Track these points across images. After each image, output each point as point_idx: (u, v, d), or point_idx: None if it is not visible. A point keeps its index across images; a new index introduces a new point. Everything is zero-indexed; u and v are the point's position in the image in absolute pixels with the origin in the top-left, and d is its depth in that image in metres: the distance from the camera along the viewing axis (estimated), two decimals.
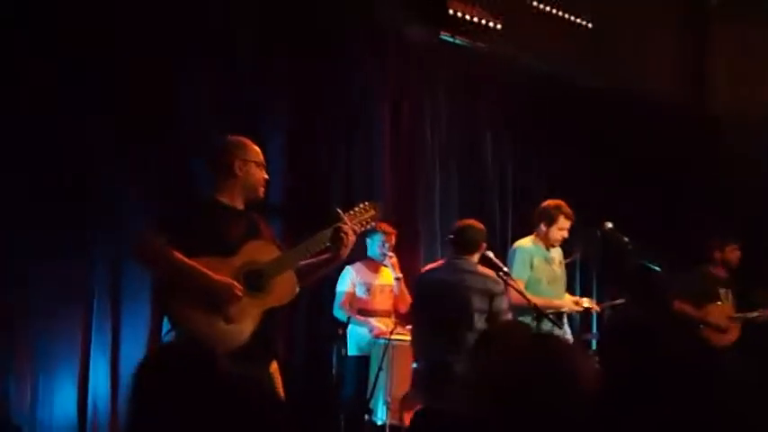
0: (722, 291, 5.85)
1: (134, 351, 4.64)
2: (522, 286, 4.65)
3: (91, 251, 4.62)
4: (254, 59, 5.26)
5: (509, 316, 4.21)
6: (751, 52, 8.16)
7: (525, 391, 1.32)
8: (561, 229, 4.90)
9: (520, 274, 4.78)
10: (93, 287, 4.62)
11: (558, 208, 4.91)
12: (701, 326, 5.67)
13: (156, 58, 4.75)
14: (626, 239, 5.06)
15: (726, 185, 7.54)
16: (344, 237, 3.28)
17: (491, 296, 4.10)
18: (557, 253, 5.05)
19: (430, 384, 4.24)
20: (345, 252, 3.33)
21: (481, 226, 4.29)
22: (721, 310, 5.77)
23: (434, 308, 4.20)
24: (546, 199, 5.11)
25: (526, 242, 5.00)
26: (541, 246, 4.95)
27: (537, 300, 4.57)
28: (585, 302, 4.89)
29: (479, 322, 4.07)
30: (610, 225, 5.10)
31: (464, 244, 4.21)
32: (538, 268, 4.89)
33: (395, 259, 5.26)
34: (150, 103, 4.72)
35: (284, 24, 5.38)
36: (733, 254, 5.90)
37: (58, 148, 4.45)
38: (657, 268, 5.19)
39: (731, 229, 6.13)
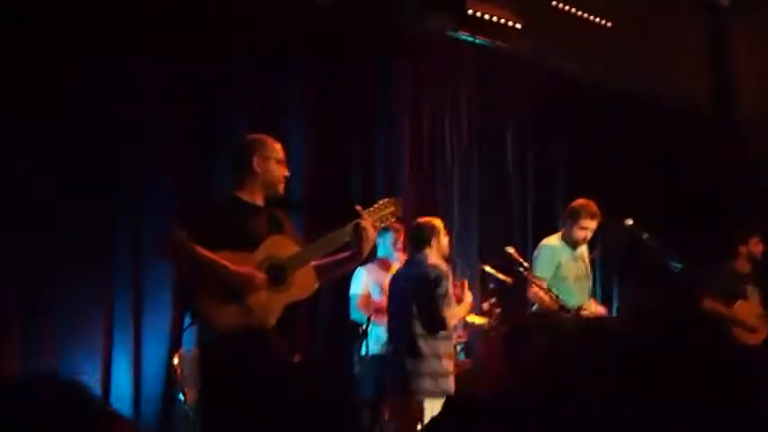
0: (748, 287, 5.77)
1: (156, 350, 4.68)
2: (544, 285, 4.71)
3: (112, 251, 4.65)
4: (277, 58, 5.29)
5: (451, 300, 4.28)
6: None
7: (575, 374, 1.31)
8: (583, 228, 4.85)
9: (543, 271, 4.79)
10: (115, 287, 4.65)
11: (582, 207, 4.87)
12: (732, 325, 5.56)
13: (183, 58, 4.79)
14: (646, 236, 5.01)
15: (752, 186, 7.51)
16: (364, 232, 3.28)
17: (428, 282, 4.26)
18: (583, 251, 5.03)
19: (389, 377, 4.46)
20: (366, 248, 3.33)
21: (433, 223, 4.46)
22: (749, 307, 5.68)
23: (392, 304, 4.52)
24: (565, 195, 5.10)
25: (553, 240, 4.98)
26: (567, 244, 4.94)
27: (546, 298, 4.64)
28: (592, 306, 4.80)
29: (417, 310, 4.28)
30: (630, 222, 5.05)
31: (416, 241, 4.45)
32: (565, 266, 4.85)
33: (404, 256, 5.27)
34: (173, 103, 4.76)
35: (307, 24, 5.42)
36: (757, 247, 5.80)
37: (82, 150, 4.49)
38: (679, 265, 5.12)
39: (754, 224, 6.04)
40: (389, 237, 5.22)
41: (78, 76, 4.44)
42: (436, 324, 4.25)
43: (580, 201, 4.95)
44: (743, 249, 5.76)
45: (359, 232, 3.28)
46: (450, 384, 4.30)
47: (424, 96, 6.05)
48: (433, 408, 4.17)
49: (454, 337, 5.09)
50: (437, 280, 4.25)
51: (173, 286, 4.43)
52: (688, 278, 5.38)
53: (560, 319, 4.33)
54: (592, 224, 4.86)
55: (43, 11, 4.33)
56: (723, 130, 7.89)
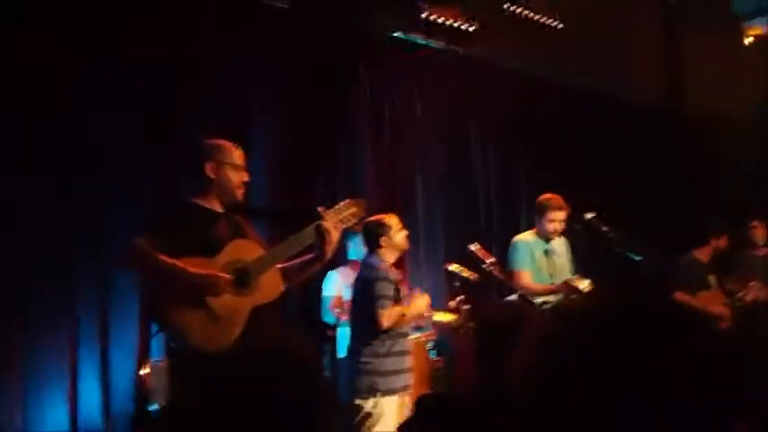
0: (710, 277, 5.92)
1: (123, 364, 4.63)
2: (528, 277, 4.92)
3: (77, 266, 4.60)
4: (239, 64, 5.29)
5: (384, 302, 4.16)
6: (720, 51, 8.38)
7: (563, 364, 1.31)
8: (551, 220, 5.01)
9: (523, 265, 4.98)
10: (80, 303, 4.59)
11: (547, 200, 5.06)
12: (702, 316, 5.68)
13: (146, 59, 4.76)
14: (607, 229, 5.12)
15: (704, 180, 7.71)
16: (326, 234, 3.31)
17: (368, 284, 4.22)
18: (559, 245, 5.15)
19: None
20: (330, 249, 3.35)
21: (382, 220, 4.35)
22: (714, 297, 5.82)
23: (351, 306, 4.50)
24: (529, 195, 5.22)
25: (526, 235, 5.16)
26: (541, 238, 5.06)
27: (538, 287, 4.86)
28: (575, 281, 4.76)
29: (360, 312, 4.27)
30: (591, 215, 5.16)
31: (366, 241, 4.40)
32: (538, 260, 5.02)
33: None
34: (132, 107, 4.72)
35: (269, 30, 5.44)
36: (725, 243, 5.99)
37: (45, 152, 4.43)
38: (638, 258, 5.23)
39: (720, 219, 6.19)
40: (359, 240, 5.25)
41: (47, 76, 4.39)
42: (372, 325, 4.16)
43: (546, 195, 5.12)
44: (713, 243, 5.93)
45: (321, 234, 3.31)
46: (394, 382, 4.20)
47: (385, 101, 6.09)
48: (383, 406, 4.13)
49: (419, 335, 5.11)
50: (374, 281, 4.19)
51: (139, 296, 4.40)
52: (650, 269, 5.48)
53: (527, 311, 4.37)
54: (560, 215, 5.01)
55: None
56: (678, 125, 8.08)
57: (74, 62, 4.46)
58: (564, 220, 5.04)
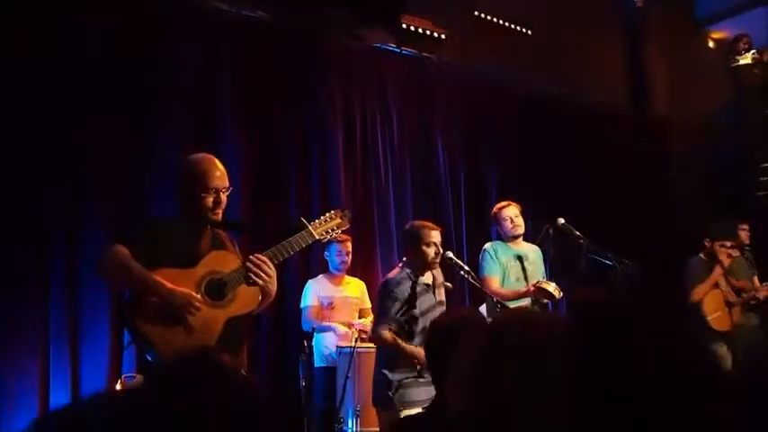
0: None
1: (95, 377, 4.55)
2: (497, 282, 4.94)
3: (48, 275, 4.51)
4: (207, 76, 5.26)
5: (380, 318, 4.15)
6: (686, 55, 8.55)
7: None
8: (507, 219, 5.08)
9: (491, 271, 5.00)
10: (51, 309, 4.50)
11: (499, 207, 5.16)
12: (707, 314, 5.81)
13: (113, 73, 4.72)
14: (578, 234, 5.16)
15: (672, 183, 7.83)
16: (253, 268, 3.17)
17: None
18: (531, 252, 5.17)
19: None
20: (268, 285, 3.22)
21: (419, 228, 4.30)
22: (721, 295, 5.94)
23: None
24: (498, 201, 5.28)
25: (493, 242, 5.20)
26: (507, 244, 5.10)
27: (507, 291, 4.87)
28: (543, 284, 4.73)
29: None
30: (562, 221, 5.21)
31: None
32: (506, 265, 5.03)
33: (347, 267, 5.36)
34: (103, 131, 4.67)
35: (236, 40, 5.42)
36: (721, 250, 6.03)
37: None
38: (610, 263, 5.27)
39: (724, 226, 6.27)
40: (334, 248, 5.27)
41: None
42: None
43: (498, 204, 5.25)
44: (707, 244, 6.03)
45: (250, 273, 3.16)
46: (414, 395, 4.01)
47: (356, 111, 6.09)
48: None
49: None
50: (380, 294, 4.24)
51: (111, 306, 4.34)
52: (621, 275, 5.53)
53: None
54: (513, 212, 5.09)
55: None
56: (642, 128, 8.21)
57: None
58: (519, 217, 5.09)
